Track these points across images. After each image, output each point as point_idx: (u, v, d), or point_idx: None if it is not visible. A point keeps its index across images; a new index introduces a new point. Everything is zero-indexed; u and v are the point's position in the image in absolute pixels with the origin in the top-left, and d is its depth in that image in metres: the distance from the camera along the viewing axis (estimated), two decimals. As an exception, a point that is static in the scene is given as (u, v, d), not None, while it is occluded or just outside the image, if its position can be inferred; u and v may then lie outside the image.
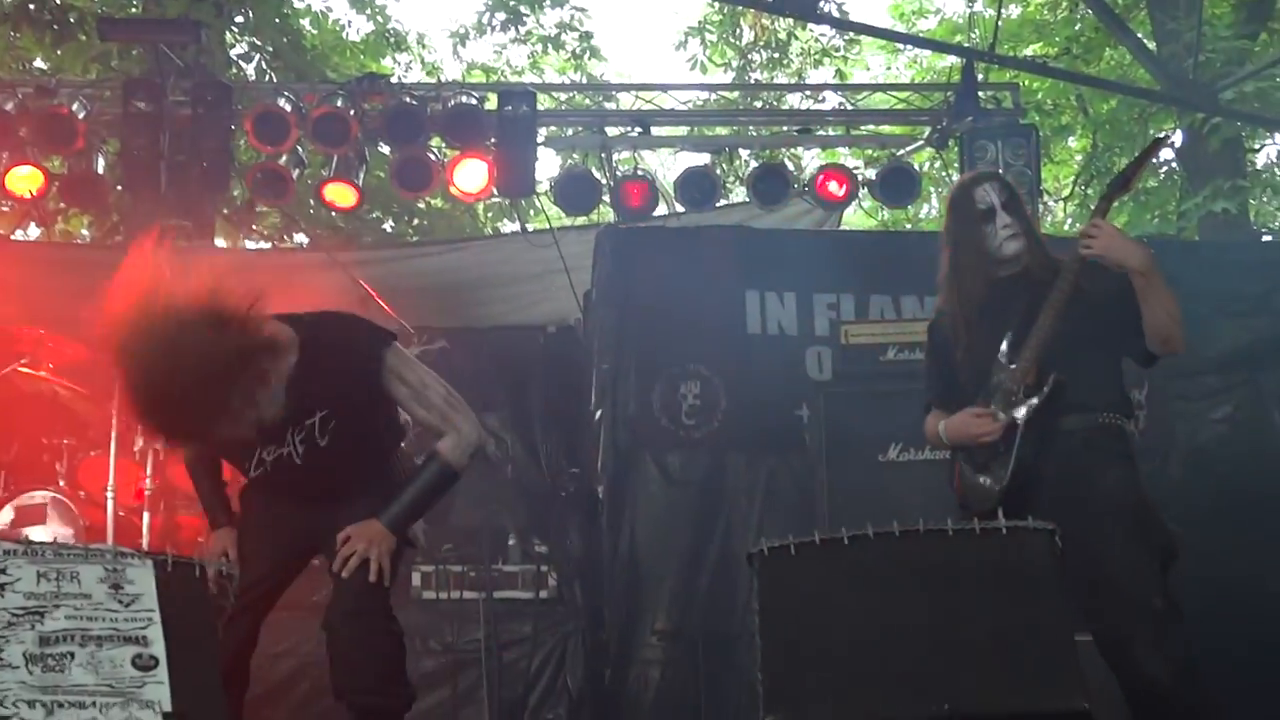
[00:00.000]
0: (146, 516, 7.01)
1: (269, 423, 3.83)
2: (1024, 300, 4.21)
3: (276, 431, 3.98)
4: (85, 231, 13.30)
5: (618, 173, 8.84)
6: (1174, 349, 4.20)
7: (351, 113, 8.33)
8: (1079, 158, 15.85)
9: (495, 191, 8.78)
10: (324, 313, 4.09)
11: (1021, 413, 4.12)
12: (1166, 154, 12.85)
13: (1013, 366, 4.16)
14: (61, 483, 7.25)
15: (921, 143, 9.38)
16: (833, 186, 8.74)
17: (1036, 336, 4.10)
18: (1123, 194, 4.43)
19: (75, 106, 8.31)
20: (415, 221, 15.00)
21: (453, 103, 8.48)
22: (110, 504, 6.92)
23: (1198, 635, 3.98)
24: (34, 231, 12.20)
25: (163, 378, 3.39)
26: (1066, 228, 15.35)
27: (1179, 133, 11.71)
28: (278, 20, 13.07)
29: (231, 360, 3.47)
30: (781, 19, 15.54)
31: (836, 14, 12.93)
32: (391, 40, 16.16)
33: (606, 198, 8.77)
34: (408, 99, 8.48)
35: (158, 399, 3.44)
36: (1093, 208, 4.37)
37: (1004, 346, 4.20)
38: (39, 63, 12.32)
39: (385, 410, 4.16)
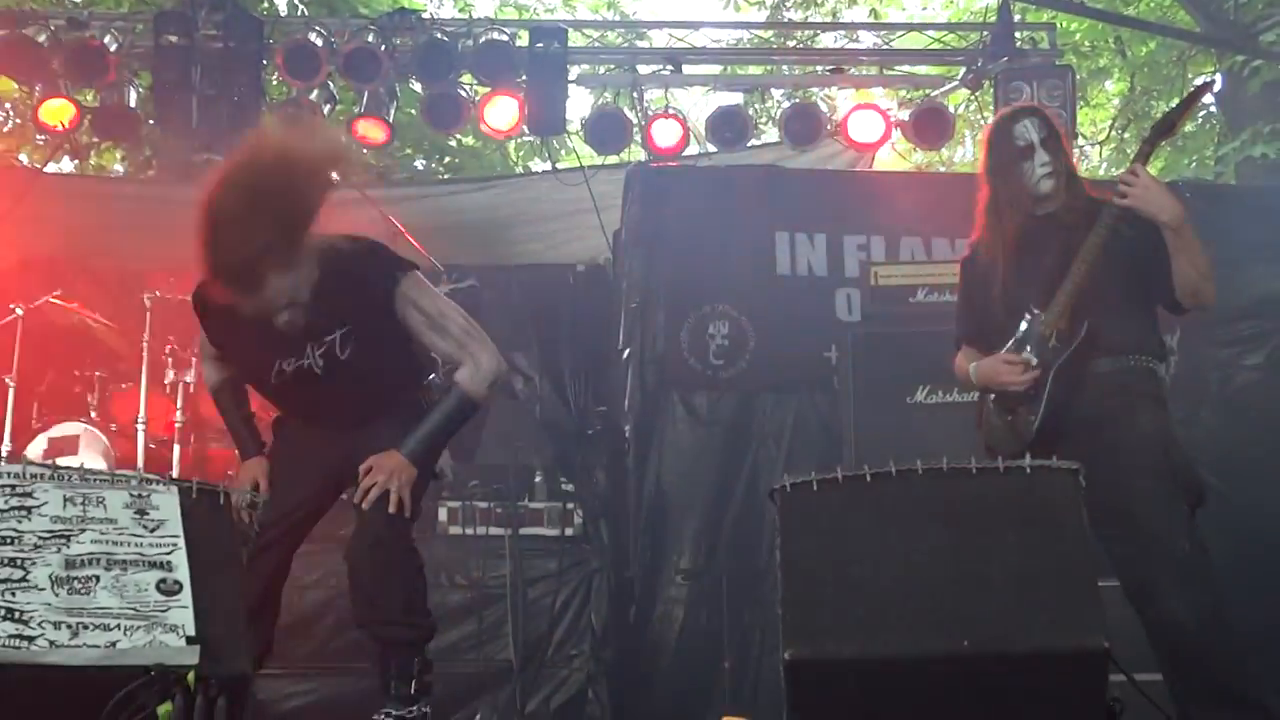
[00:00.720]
0: (177, 449, 7.09)
1: (284, 326, 3.91)
2: (1060, 241, 4.17)
3: (296, 343, 4.01)
4: (119, 166, 13.33)
5: (649, 111, 8.78)
6: (1202, 303, 4.17)
7: (382, 48, 8.29)
8: (1116, 101, 15.66)
9: (526, 129, 8.74)
10: (345, 236, 4.10)
11: (1053, 358, 4.09)
12: (1206, 98, 12.67)
13: (1046, 312, 4.12)
14: (93, 414, 7.34)
15: (956, 83, 9.27)
16: (867, 126, 8.67)
17: (1071, 281, 4.07)
18: (1167, 137, 4.34)
19: (107, 39, 8.30)
20: (446, 159, 14.97)
21: (484, 39, 8.43)
22: (141, 436, 7.00)
23: (1226, 581, 3.97)
24: (68, 165, 12.25)
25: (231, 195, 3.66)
26: (1102, 172, 15.18)
27: (1219, 76, 11.54)
28: (309, -45, 13.00)
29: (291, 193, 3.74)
30: (817, -43, 15.37)
31: (873, -47, 12.79)
32: (424, -24, 16.04)
33: (638, 137, 8.72)
34: (439, 35, 8.43)
35: (222, 213, 3.65)
36: (1134, 151, 4.32)
37: (1038, 287, 4.17)
38: (72, -5, 12.29)
39: (408, 338, 4.17)
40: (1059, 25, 10.29)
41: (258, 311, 3.87)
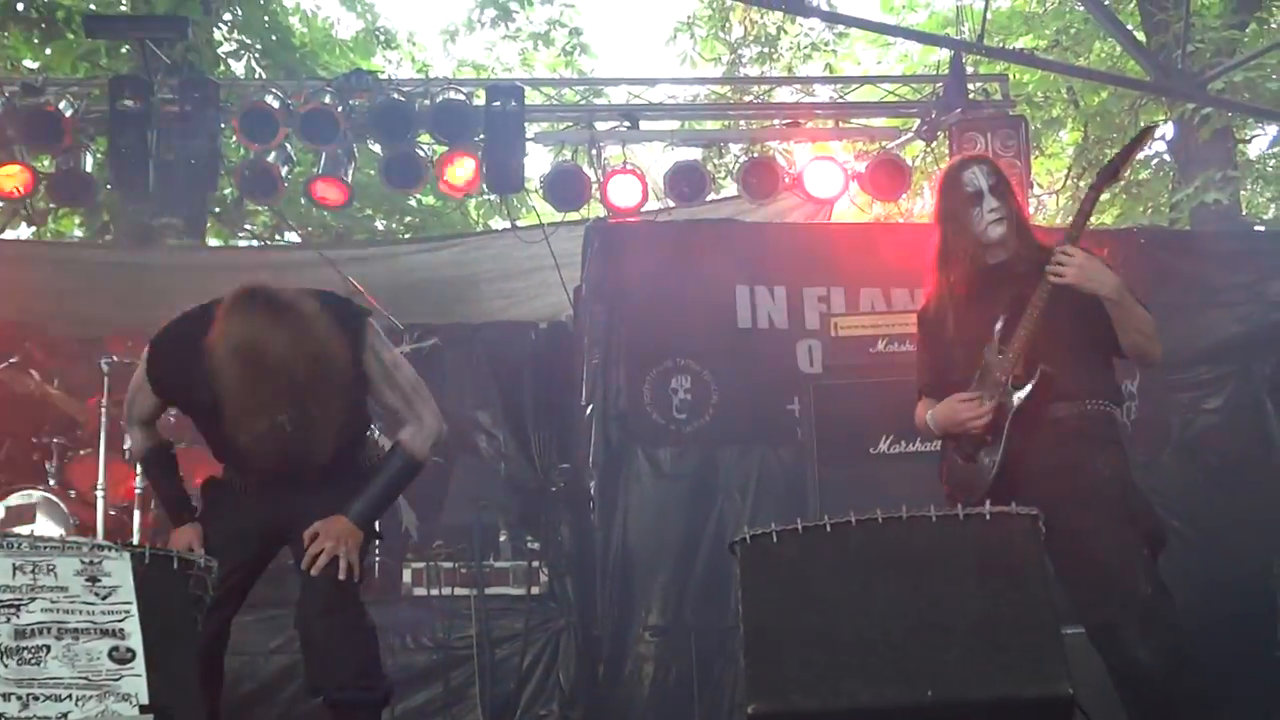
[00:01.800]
0: (137, 515, 7.01)
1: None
2: (1012, 289, 4.19)
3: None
4: (78, 231, 13.27)
5: (607, 168, 8.82)
6: (1150, 362, 4.24)
7: (339, 109, 8.31)
8: (1070, 150, 15.84)
9: (484, 187, 8.76)
10: (303, 289, 4.08)
11: (1010, 403, 4.10)
12: (1158, 146, 12.87)
13: (1001, 356, 4.14)
14: (52, 481, 7.26)
15: (911, 135, 9.36)
16: (823, 179, 8.74)
17: (1024, 326, 4.09)
18: (1112, 183, 4.41)
19: (63, 105, 8.30)
20: (406, 219, 14.99)
21: (441, 99, 8.46)
22: (100, 503, 6.92)
23: (1190, 624, 3.97)
24: (25, 231, 12.20)
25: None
26: (1058, 222, 15.34)
27: (1170, 124, 11.69)
28: (266, 18, 13.06)
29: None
30: (771, 13, 15.54)
31: (825, 7, 12.91)
32: (381, 38, 16.14)
33: (597, 193, 8.75)
34: (396, 95, 8.46)
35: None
36: (1082, 198, 4.35)
37: (992, 335, 4.18)
38: (28, 62, 12.29)
39: (360, 390, 4.14)
40: (1011, 77, 10.41)
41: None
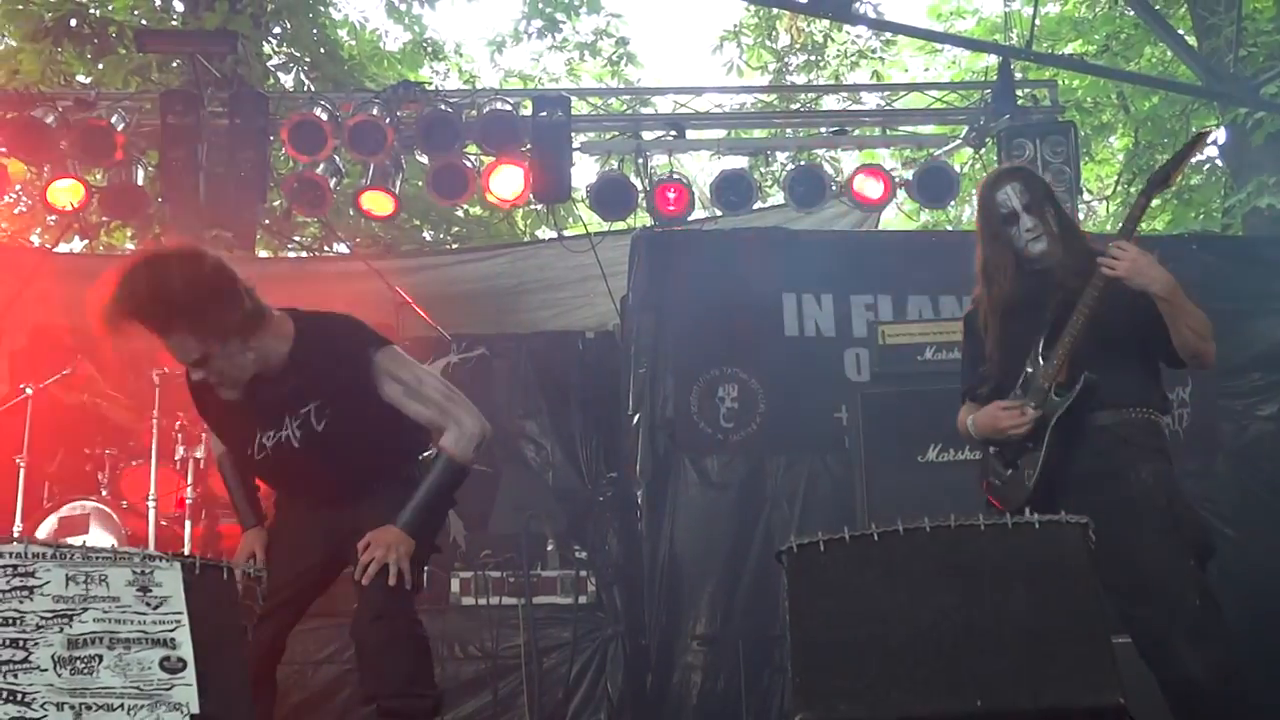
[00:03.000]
0: (188, 525, 7.08)
1: (259, 399, 3.97)
2: (1057, 295, 4.16)
3: (274, 417, 4.04)
4: (130, 244, 13.40)
5: (654, 177, 8.82)
6: (1204, 364, 4.15)
7: (387, 120, 8.35)
8: (1121, 156, 15.72)
9: (531, 197, 8.78)
10: (324, 313, 4.14)
11: (1052, 410, 4.06)
12: (1210, 151, 12.72)
13: (1044, 363, 4.11)
14: (104, 492, 7.33)
15: (959, 142, 9.31)
16: (869, 187, 8.70)
17: (1069, 334, 4.05)
18: (1162, 189, 4.35)
19: (114, 119, 8.38)
20: (454, 229, 15.05)
21: (488, 109, 8.49)
22: (152, 513, 6.98)
23: (1243, 634, 3.92)
24: (79, 245, 12.34)
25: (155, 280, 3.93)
26: (1109, 228, 15.22)
27: (1222, 129, 11.57)
28: (315, 31, 13.16)
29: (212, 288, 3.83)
30: (817, 21, 15.52)
31: (872, 15, 12.84)
32: (428, 50, 16.22)
33: (643, 202, 8.75)
34: (443, 106, 8.50)
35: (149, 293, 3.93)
36: (1131, 204, 4.30)
37: (1037, 341, 4.16)
38: (80, 77, 12.43)
39: (395, 412, 4.17)
40: (1060, 82, 10.36)
41: (222, 379, 3.93)
